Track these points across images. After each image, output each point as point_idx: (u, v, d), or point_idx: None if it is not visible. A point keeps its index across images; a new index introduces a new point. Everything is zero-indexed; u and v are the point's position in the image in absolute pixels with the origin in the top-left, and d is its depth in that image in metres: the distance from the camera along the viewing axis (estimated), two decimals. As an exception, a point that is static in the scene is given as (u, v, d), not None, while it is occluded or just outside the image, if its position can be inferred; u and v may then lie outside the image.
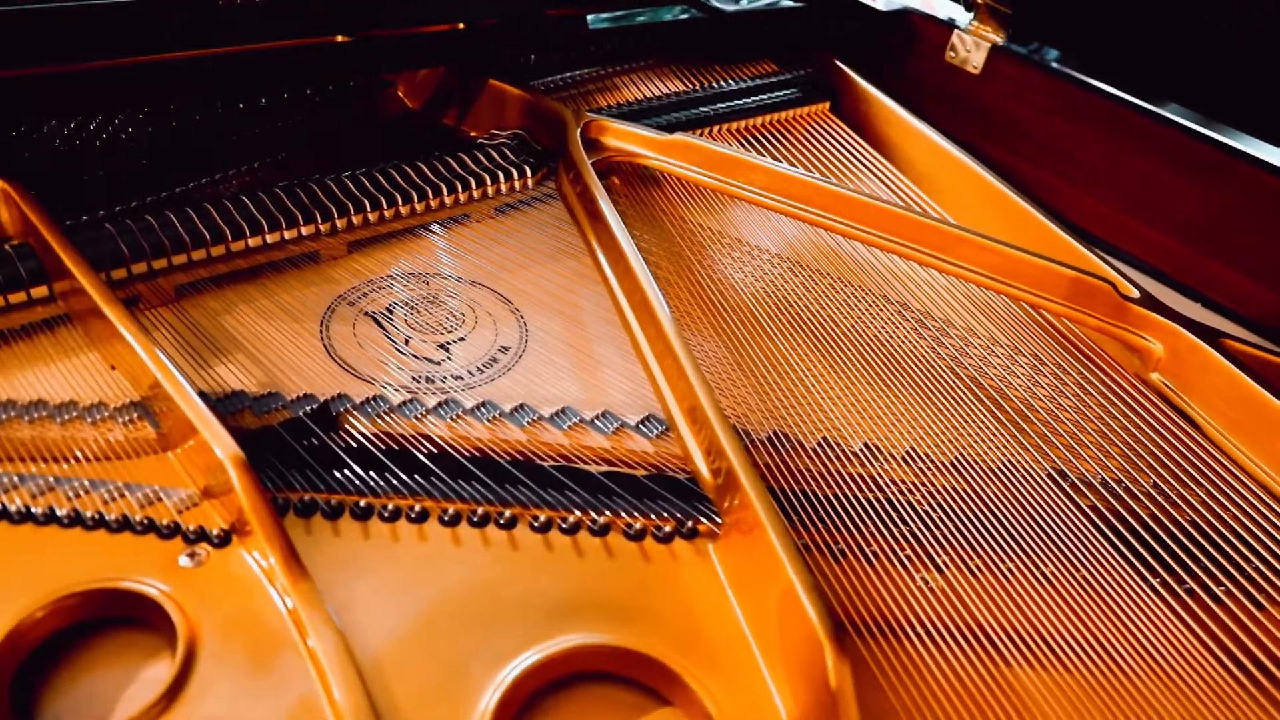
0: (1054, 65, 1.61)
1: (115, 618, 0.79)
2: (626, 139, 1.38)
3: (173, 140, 1.34)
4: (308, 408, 0.97)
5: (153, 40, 1.25)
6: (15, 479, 0.85)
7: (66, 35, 1.17)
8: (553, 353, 1.12)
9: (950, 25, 1.70)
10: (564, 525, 0.90)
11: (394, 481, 0.90)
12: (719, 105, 1.58)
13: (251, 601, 0.79)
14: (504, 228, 1.33)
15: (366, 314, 1.15)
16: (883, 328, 1.20)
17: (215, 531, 0.83)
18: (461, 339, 1.14)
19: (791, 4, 1.83)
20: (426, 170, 1.31)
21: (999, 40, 1.66)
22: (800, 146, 1.56)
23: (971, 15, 1.69)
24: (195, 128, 1.36)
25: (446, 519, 0.88)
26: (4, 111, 1.13)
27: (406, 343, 1.12)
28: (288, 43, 1.39)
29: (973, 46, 1.68)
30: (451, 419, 0.98)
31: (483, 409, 1.00)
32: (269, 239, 1.17)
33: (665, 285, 1.18)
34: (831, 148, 1.59)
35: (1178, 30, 1.46)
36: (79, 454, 0.89)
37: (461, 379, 1.08)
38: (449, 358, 1.11)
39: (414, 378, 1.07)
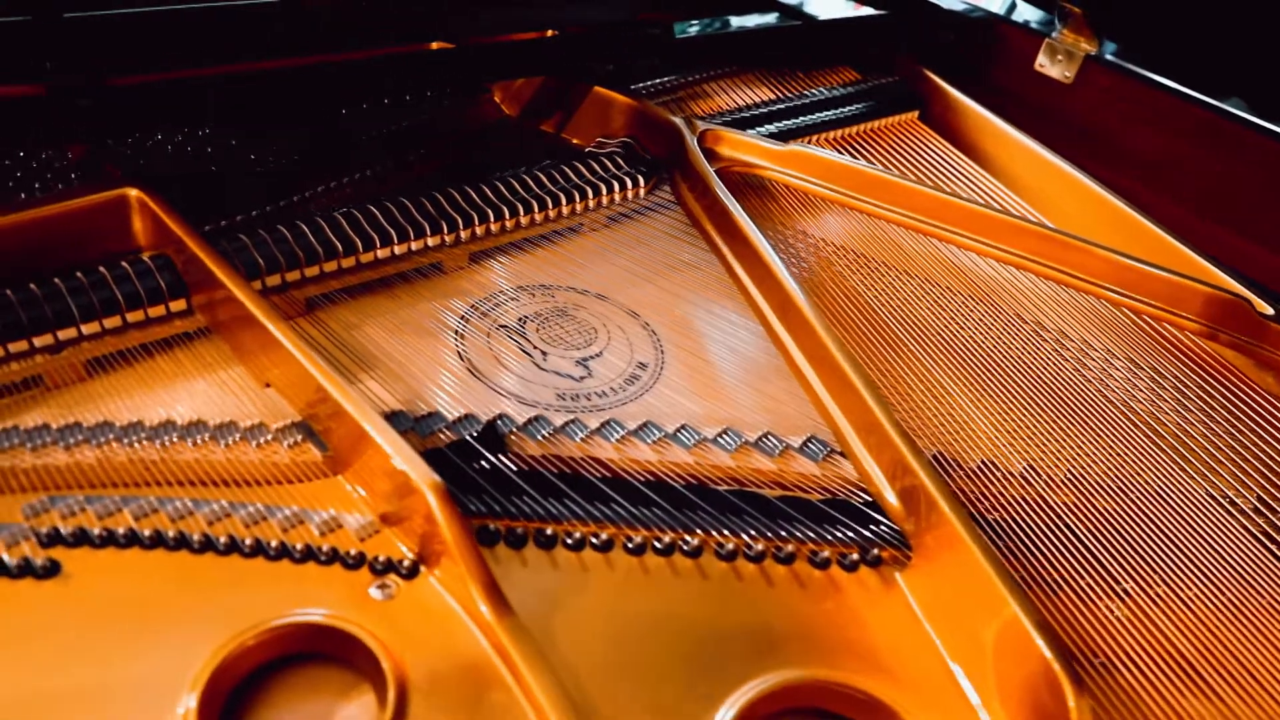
0: (1152, 76, 1.59)
1: (311, 654, 0.75)
2: (742, 149, 1.35)
3: (281, 149, 1.29)
4: (473, 429, 0.93)
5: (259, 47, 1.21)
6: (189, 504, 0.81)
7: (187, 40, 1.13)
8: (691, 369, 1.09)
9: (1040, 34, 1.68)
10: (750, 553, 0.87)
11: (573, 507, 0.87)
12: (818, 114, 1.56)
13: (452, 637, 0.76)
14: (618, 238, 1.29)
15: (500, 327, 1.12)
16: (1023, 347, 1.17)
17: (402, 561, 0.80)
18: (598, 354, 1.11)
19: (875, 12, 1.81)
20: (544, 179, 1.27)
21: (1091, 50, 1.64)
22: (895, 157, 1.53)
23: (1062, 24, 1.67)
24: (303, 136, 1.32)
25: (632, 547, 0.85)
26: (132, 119, 1.08)
27: (545, 358, 1.08)
28: (388, 50, 1.36)
29: (1064, 56, 1.66)
30: (617, 440, 0.95)
31: (646, 430, 0.97)
32: (397, 250, 1.13)
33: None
34: (928, 158, 1.56)
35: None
36: (247, 479, 0.85)
37: (605, 396, 1.05)
38: (589, 374, 1.07)
39: (558, 395, 1.04)
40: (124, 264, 0.98)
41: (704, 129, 1.35)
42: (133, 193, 1.02)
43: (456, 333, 1.10)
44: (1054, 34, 1.68)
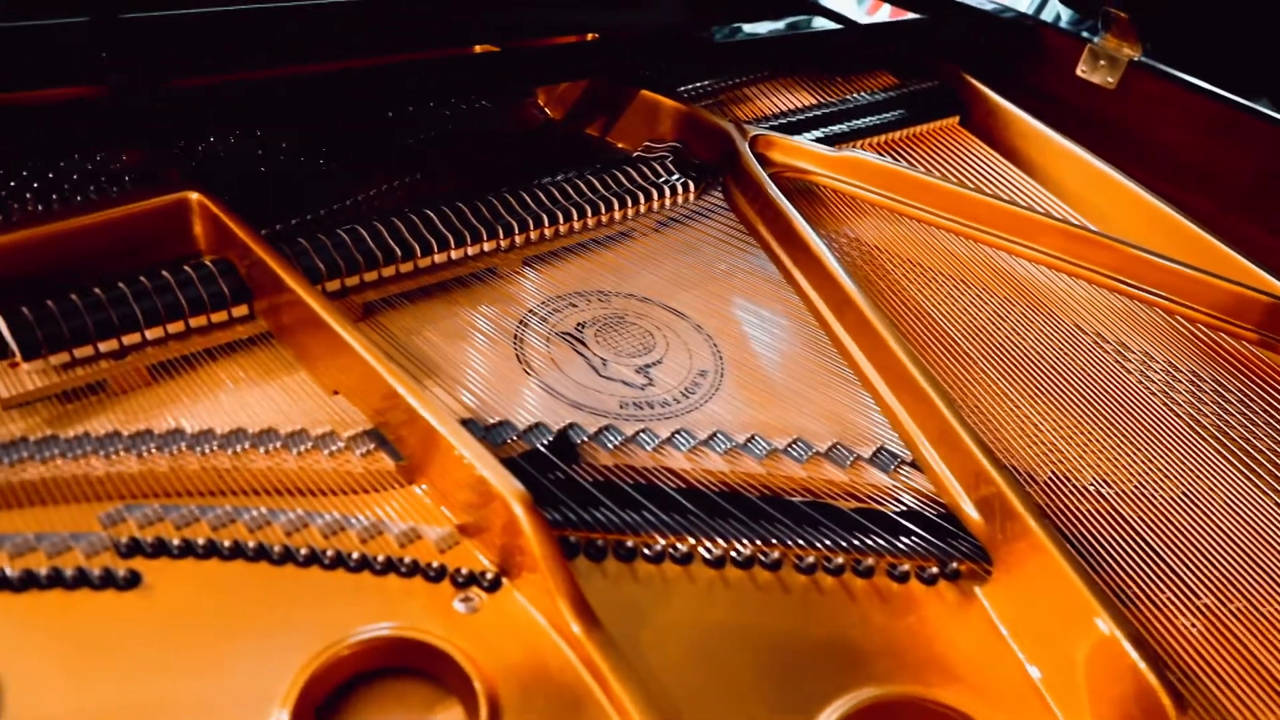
0: (1198, 82, 1.58)
1: (397, 668, 0.74)
2: (794, 154, 1.34)
3: (331, 152, 1.28)
4: (545, 438, 0.92)
5: (312, 49, 1.20)
6: (266, 514, 0.80)
7: (241, 42, 1.12)
8: (751, 377, 1.08)
9: (1083, 39, 1.67)
10: (829, 566, 0.86)
11: (650, 519, 0.86)
12: (863, 119, 1.54)
13: (540, 652, 0.74)
14: (668, 243, 1.28)
15: (559, 334, 1.10)
16: (1085, 358, 1.16)
17: (484, 574, 0.78)
18: (658, 362, 1.09)
19: (915, 16, 1.80)
20: (597, 184, 1.26)
21: (1135, 55, 1.62)
22: (937, 162, 1.52)
23: (1105, 29, 1.66)
24: (352, 139, 1.31)
25: (711, 559, 0.84)
26: (190, 121, 1.07)
27: (605, 365, 1.07)
28: (436, 53, 1.35)
29: (1106, 61, 1.65)
30: (688, 450, 0.94)
31: (716, 439, 0.96)
32: (454, 254, 1.12)
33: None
34: (972, 164, 1.55)
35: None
36: (320, 488, 0.83)
37: (667, 405, 1.03)
38: (650, 382, 1.06)
39: (621, 403, 1.02)
40: (187, 268, 0.97)
41: (755, 134, 1.33)
42: (194, 196, 1.01)
43: (516, 337, 1.09)
44: (1096, 39, 1.67)
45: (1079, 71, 1.68)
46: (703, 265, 1.25)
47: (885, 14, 2.08)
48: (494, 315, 1.10)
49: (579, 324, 1.12)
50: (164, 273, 0.96)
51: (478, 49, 1.51)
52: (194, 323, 0.96)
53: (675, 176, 1.31)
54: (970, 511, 0.90)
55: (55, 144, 1.04)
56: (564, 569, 0.74)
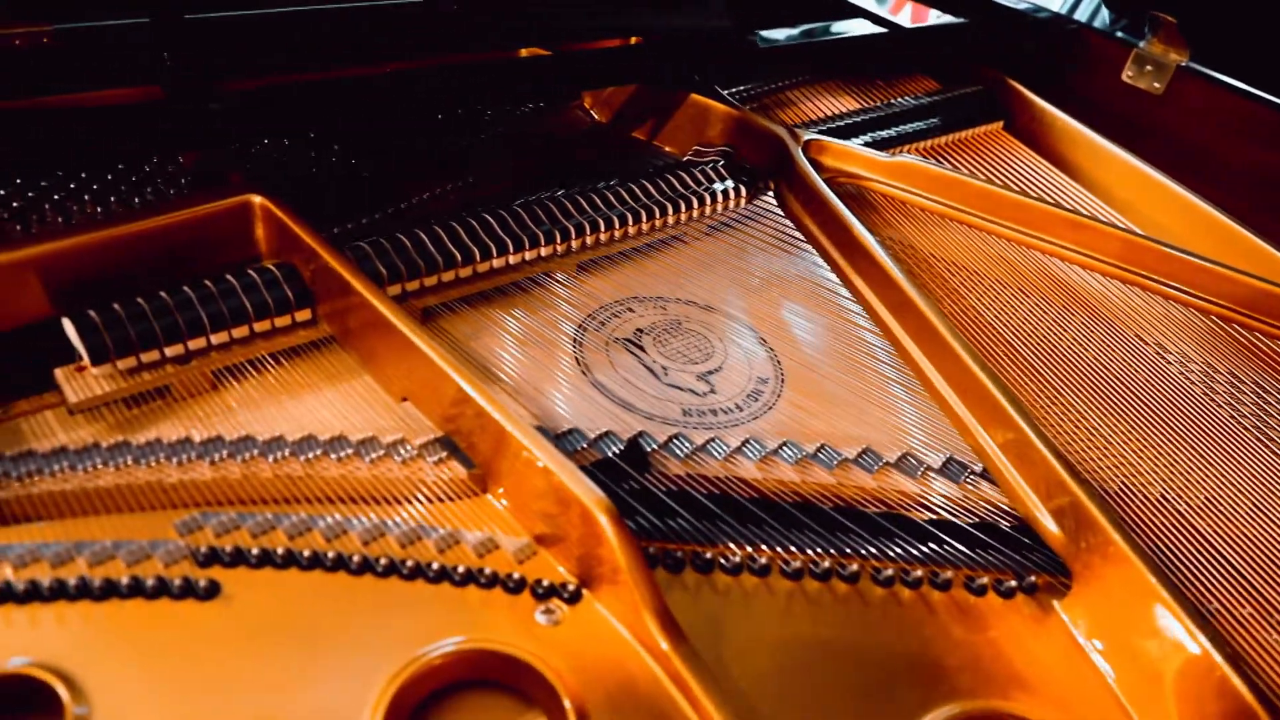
0: (1248, 88, 1.56)
1: (479, 681, 0.73)
2: (847, 159, 1.33)
3: (382, 156, 1.28)
4: (615, 447, 0.91)
5: (369, 51, 1.19)
6: (341, 522, 0.79)
7: (301, 44, 1.11)
8: (812, 384, 1.07)
9: (1129, 43, 1.66)
10: (906, 578, 0.84)
11: (726, 530, 0.85)
12: (909, 124, 1.53)
13: (624, 665, 0.73)
14: (720, 248, 1.27)
15: (617, 340, 1.09)
16: (1149, 369, 1.14)
17: (564, 585, 0.77)
18: (718, 369, 1.08)
19: (956, 20, 1.78)
20: (651, 189, 1.25)
21: (1183, 60, 1.61)
22: (982, 168, 1.51)
23: (1153, 33, 1.64)
24: (403, 142, 1.30)
25: (789, 571, 0.83)
26: (250, 125, 1.06)
27: (666, 372, 1.06)
28: (485, 56, 1.34)
29: (1153, 66, 1.64)
30: (759, 460, 0.93)
31: (786, 449, 0.95)
32: (513, 259, 1.11)
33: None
34: (1017, 170, 1.54)
35: None
36: (393, 496, 0.83)
37: (730, 413, 1.02)
38: (712, 390, 1.05)
39: (684, 411, 1.01)
40: (251, 272, 0.96)
41: (808, 139, 1.32)
42: (256, 199, 1.00)
43: (575, 341, 1.08)
44: (1142, 43, 1.65)
45: (1124, 76, 1.67)
46: (755, 270, 1.24)
47: (906, 15, 2.07)
48: (552, 320, 1.09)
49: (637, 330, 1.11)
50: (228, 277, 0.95)
51: (523, 53, 1.50)
52: (258, 327, 0.95)
53: (728, 181, 1.30)
54: (1047, 523, 0.89)
55: (115, 146, 1.03)
56: (650, 581, 0.73)
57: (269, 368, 0.95)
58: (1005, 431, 0.93)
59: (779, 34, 1.63)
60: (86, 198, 1.05)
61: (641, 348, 1.09)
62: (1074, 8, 2.06)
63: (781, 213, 1.30)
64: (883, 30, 1.67)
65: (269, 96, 1.07)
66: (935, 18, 1.79)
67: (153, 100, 1.03)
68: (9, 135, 0.98)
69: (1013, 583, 0.85)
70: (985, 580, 0.85)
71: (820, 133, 1.42)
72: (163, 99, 1.01)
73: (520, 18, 1.35)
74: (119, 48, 1.02)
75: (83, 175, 1.06)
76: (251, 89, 1.07)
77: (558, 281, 1.14)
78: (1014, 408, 0.93)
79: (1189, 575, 0.89)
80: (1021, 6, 1.76)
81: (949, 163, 1.49)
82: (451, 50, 1.34)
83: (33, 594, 0.71)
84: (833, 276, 1.20)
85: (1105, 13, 1.77)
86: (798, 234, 1.27)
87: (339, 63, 1.19)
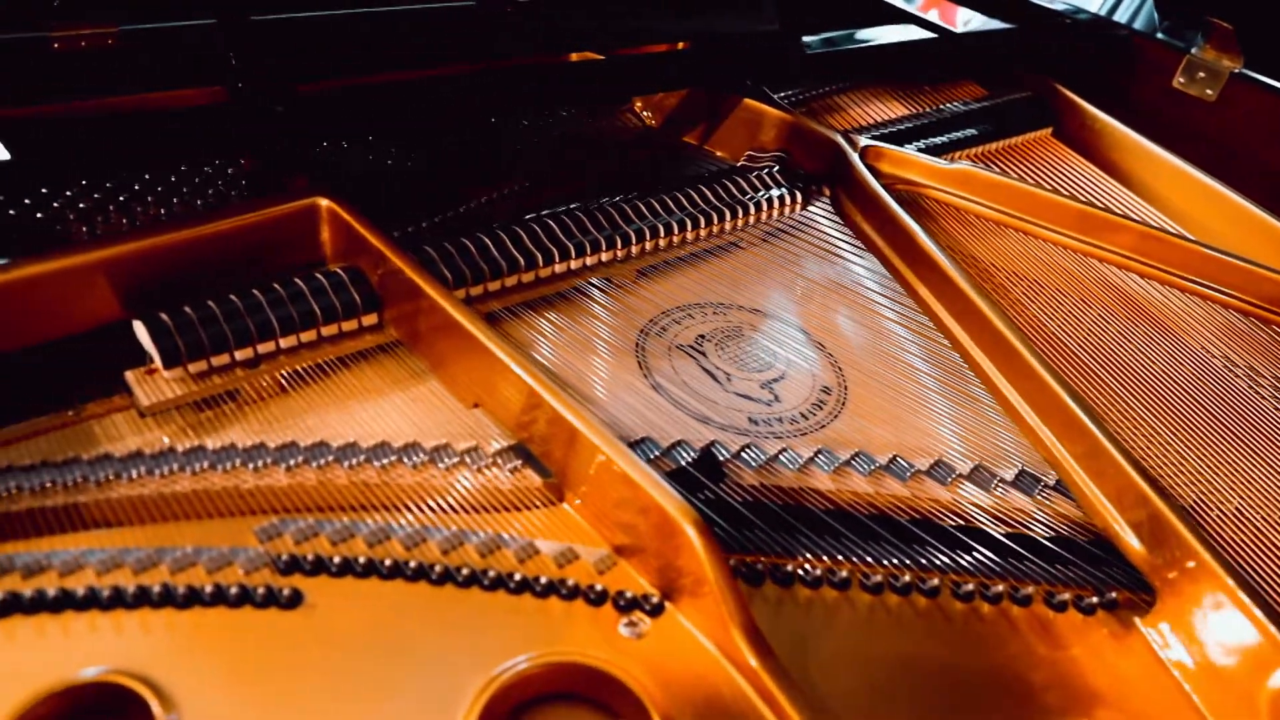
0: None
1: (563, 694, 0.72)
2: (906, 167, 1.31)
3: (438, 159, 1.27)
4: (688, 456, 0.90)
5: (429, 53, 1.18)
6: (418, 530, 0.78)
7: (363, 46, 1.10)
8: (875, 394, 1.05)
9: (1181, 49, 1.64)
10: (986, 593, 0.83)
11: (804, 542, 0.84)
12: (961, 131, 1.52)
13: (712, 680, 0.72)
14: (776, 254, 1.26)
15: (679, 348, 1.08)
16: (1216, 382, 1.13)
17: (647, 597, 0.76)
18: (781, 377, 1.07)
19: (1004, 26, 1.77)
20: (710, 194, 1.24)
21: (1236, 67, 1.59)
22: (1033, 175, 1.49)
23: (1205, 40, 1.63)
24: (452, 147, 1.30)
25: (869, 585, 0.82)
26: (314, 127, 1.05)
27: (729, 380, 1.05)
28: (543, 59, 1.33)
29: (1206, 73, 1.62)
30: (833, 470, 0.92)
31: (859, 460, 0.93)
32: (574, 264, 1.10)
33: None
34: (1068, 177, 1.52)
35: None
36: (469, 504, 0.82)
37: (796, 422, 1.01)
38: (776, 399, 1.04)
39: (750, 420, 1.00)
40: (319, 275, 0.95)
41: (865, 145, 1.31)
42: (323, 202, 0.99)
43: (639, 347, 1.07)
44: (1195, 50, 1.64)
45: (1176, 83, 1.65)
46: (813, 277, 1.22)
47: (934, 16, 2.05)
48: (615, 327, 1.08)
49: (699, 337, 1.10)
50: (296, 280, 0.94)
51: (574, 57, 1.49)
52: (325, 331, 0.94)
53: (784, 187, 1.29)
54: (1127, 537, 0.87)
55: (182, 149, 1.02)
56: (738, 595, 0.72)
57: (335, 372, 0.94)
58: (1081, 443, 0.92)
59: (827, 38, 1.61)
60: (150, 199, 1.05)
61: (704, 354, 1.07)
62: (1114, 8, 2.05)
63: (835, 219, 1.29)
64: (932, 35, 1.65)
65: (335, 99, 1.07)
66: (967, 23, 1.77)
67: (219, 103, 1.02)
68: (76, 138, 0.98)
69: (1094, 599, 0.84)
70: (1066, 596, 0.84)
71: (873, 139, 1.41)
72: (229, 101, 1.00)
73: (576, 22, 1.34)
74: (184, 49, 1.01)
75: (146, 177, 1.05)
76: (315, 91, 1.06)
77: (619, 286, 1.13)
78: (1090, 418, 0.92)
79: (1270, 591, 0.87)
80: (1061, 8, 1.75)
81: (1001, 170, 1.47)
82: (506, 55, 1.33)
83: (116, 600, 0.70)
84: (891, 284, 1.18)
85: (1154, 17, 1.76)
86: (854, 241, 1.25)
87: (397, 66, 1.18)
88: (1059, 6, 1.74)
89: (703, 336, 1.11)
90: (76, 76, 1.02)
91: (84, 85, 1.02)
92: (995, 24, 1.77)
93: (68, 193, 1.01)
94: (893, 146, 1.32)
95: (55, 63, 1.02)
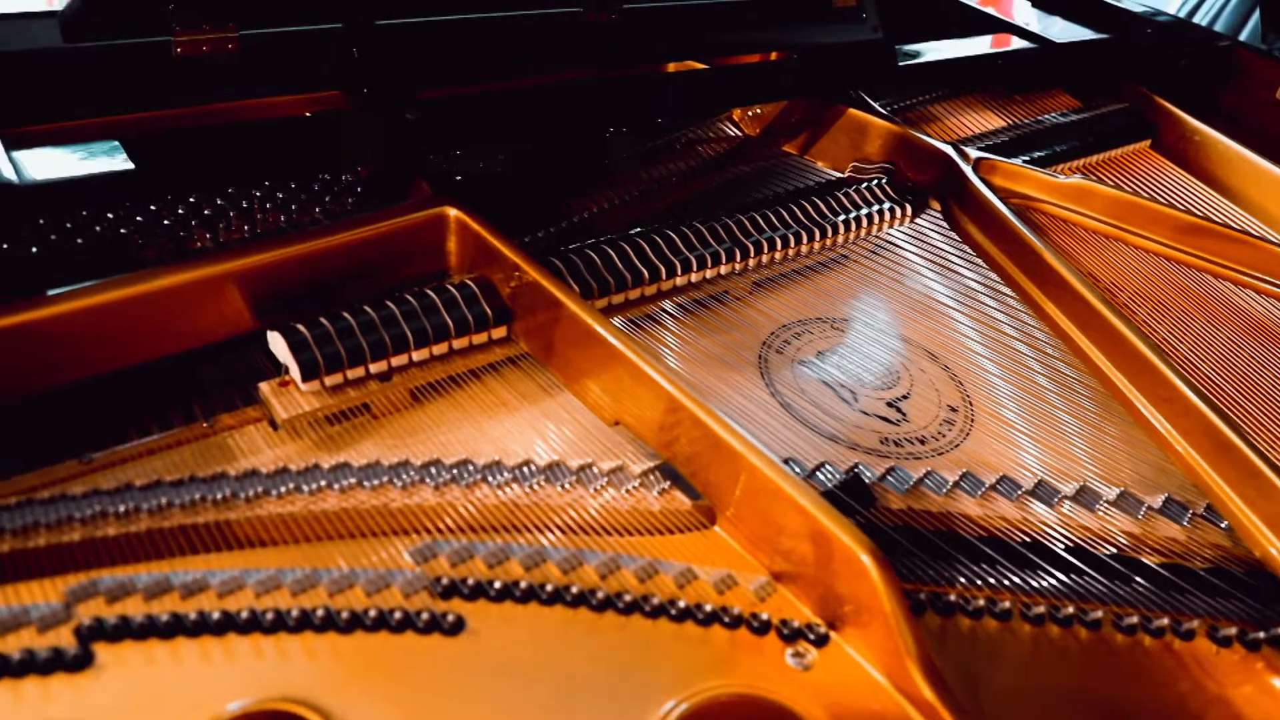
0: None
1: (733, 727, 0.70)
2: (1020, 181, 1.29)
3: (549, 169, 1.25)
4: (832, 479, 0.87)
5: (547, 60, 1.16)
6: (574, 553, 0.76)
7: (483, 52, 1.08)
8: (1002, 414, 1.03)
9: (1283, 61, 1.61)
10: (1149, 627, 0.80)
11: (962, 570, 0.81)
12: (1063, 143, 1.49)
13: (884, 714, 0.70)
14: (886, 268, 1.23)
15: (801, 364, 1.06)
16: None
17: (812, 626, 0.74)
18: (905, 396, 1.04)
19: (1099, 35, 1.73)
20: (823, 206, 1.22)
21: (1344, 80, 1.55)
22: (1134, 188, 1.46)
23: (1310, 53, 1.59)
24: (560, 156, 1.28)
25: (1031, 616, 0.79)
26: (435, 135, 1.04)
27: (856, 398, 1.03)
28: (644, 69, 1.31)
29: (1310, 86, 1.58)
30: (980, 495, 0.89)
31: (1002, 484, 0.91)
32: (694, 277, 1.08)
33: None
34: (1170, 190, 1.49)
35: None
36: (619, 527, 0.80)
37: (925, 443, 0.99)
38: (904, 417, 1.01)
39: (881, 440, 0.98)
40: (450, 287, 0.93)
41: (977, 158, 1.28)
42: (451, 212, 0.98)
43: (762, 358, 1.04)
44: (1300, 62, 1.60)
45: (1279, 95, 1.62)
46: (926, 291, 1.20)
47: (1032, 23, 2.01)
48: (735, 342, 1.06)
49: (819, 353, 1.08)
50: (428, 292, 0.92)
51: (671, 68, 1.47)
52: (456, 344, 0.92)
53: (894, 200, 1.26)
54: (1292, 570, 0.84)
55: (302, 156, 1.01)
56: (915, 627, 0.70)
57: (463, 385, 0.92)
58: (1238, 468, 0.89)
59: (925, 48, 1.59)
60: (269, 205, 1.03)
61: (827, 371, 1.05)
62: (1215, 19, 2.01)
63: (947, 232, 1.26)
64: (1031, 45, 1.62)
65: (456, 105, 1.05)
66: (1063, 33, 1.74)
67: (348, 110, 1.01)
68: (202, 145, 0.97)
69: (1260, 634, 0.81)
70: (1231, 631, 0.81)
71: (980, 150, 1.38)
72: (358, 108, 0.99)
73: (678, 33, 1.32)
74: (309, 54, 0.99)
75: (266, 184, 1.04)
76: (438, 98, 1.04)
77: (737, 298, 1.11)
78: (1243, 441, 0.89)
79: None
80: (1163, 19, 1.71)
81: (1096, 180, 1.44)
82: (608, 65, 1.31)
83: (279, 623, 0.68)
84: (1007, 298, 1.15)
85: (1259, 29, 1.72)
86: (967, 255, 1.23)
87: (508, 74, 1.16)
88: (1161, 18, 1.71)
89: (823, 353, 1.08)
90: (201, 83, 1.00)
91: (209, 92, 1.01)
92: (1088, 33, 1.73)
93: (190, 199, 0.99)
94: (1006, 159, 1.29)
95: (176, 68, 1.01)
